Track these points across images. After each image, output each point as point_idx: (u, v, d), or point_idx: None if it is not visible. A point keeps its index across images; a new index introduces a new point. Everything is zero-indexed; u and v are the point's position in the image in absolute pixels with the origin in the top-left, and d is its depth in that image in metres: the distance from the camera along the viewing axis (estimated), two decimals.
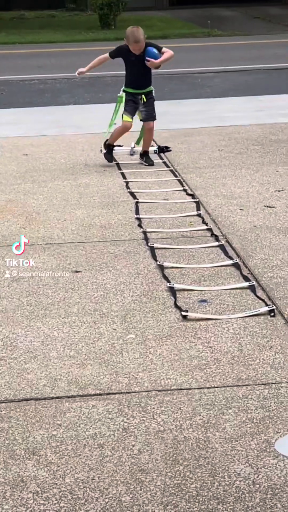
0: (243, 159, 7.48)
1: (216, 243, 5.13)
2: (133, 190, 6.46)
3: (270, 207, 5.91)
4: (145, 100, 7.10)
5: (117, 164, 7.38)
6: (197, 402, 3.24)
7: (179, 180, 6.76)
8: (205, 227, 5.48)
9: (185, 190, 6.44)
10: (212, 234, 5.31)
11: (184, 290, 4.41)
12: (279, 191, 6.33)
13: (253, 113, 9.81)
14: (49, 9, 29.24)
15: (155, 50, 7.03)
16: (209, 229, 5.41)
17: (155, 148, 7.84)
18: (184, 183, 6.67)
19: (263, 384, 3.37)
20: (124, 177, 6.93)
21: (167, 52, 7.08)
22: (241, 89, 11.99)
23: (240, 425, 3.06)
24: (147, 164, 7.26)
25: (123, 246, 5.17)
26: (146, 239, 5.26)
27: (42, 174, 7.14)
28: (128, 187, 6.58)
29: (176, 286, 4.44)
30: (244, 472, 2.78)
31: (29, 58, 17.22)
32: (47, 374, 3.51)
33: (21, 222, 5.70)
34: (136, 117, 7.30)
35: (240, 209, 5.87)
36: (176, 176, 6.91)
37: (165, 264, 4.78)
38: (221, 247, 5.07)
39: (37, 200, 6.27)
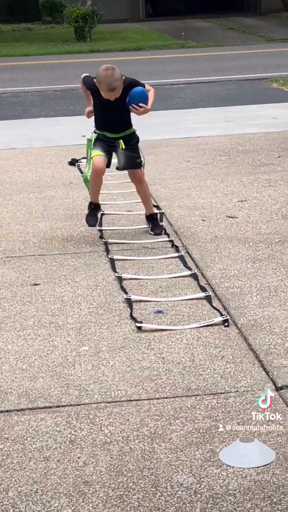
0: (209, 170, 7.53)
1: (176, 254, 5.16)
2: None
3: (232, 217, 5.95)
4: (123, 147, 5.39)
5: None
6: (146, 413, 3.26)
7: None
8: (166, 238, 5.51)
9: None
10: (173, 245, 5.34)
11: (141, 301, 4.43)
12: (242, 201, 6.37)
13: (221, 124, 9.87)
14: (25, 22, 29.32)
15: (140, 89, 5.32)
16: (170, 240, 5.44)
17: None
18: None
19: (212, 394, 3.39)
20: None
21: (151, 90, 5.43)
22: (212, 100, 12.06)
23: (186, 435, 3.08)
24: (153, 233, 5.60)
25: (84, 258, 5.18)
26: (107, 250, 5.29)
27: (8, 187, 7.15)
28: None
29: (133, 297, 4.46)
30: (187, 482, 2.80)
31: (3, 71, 17.24)
32: None
33: None
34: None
35: (202, 220, 5.90)
36: None
37: (124, 275, 4.80)
38: (181, 258, 5.09)
39: (0, 214, 6.27)
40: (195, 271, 4.82)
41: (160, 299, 4.46)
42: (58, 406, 3.34)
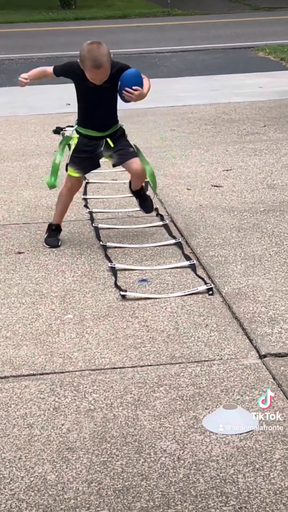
0: (194, 138, 7.49)
1: (161, 223, 5.15)
2: None
3: (217, 186, 5.94)
4: (111, 145, 4.72)
5: (68, 145, 7.32)
6: (129, 381, 3.26)
7: None
8: None
9: None
10: (158, 214, 5.32)
11: (125, 270, 4.43)
12: (227, 170, 6.36)
13: (207, 93, 9.81)
14: None
15: (134, 70, 4.61)
16: (155, 209, 5.42)
17: None
18: None
19: (195, 361, 3.40)
20: None
21: (145, 78, 4.72)
22: (198, 69, 11.99)
23: (170, 403, 3.09)
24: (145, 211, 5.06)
25: (68, 226, 5.16)
26: (92, 219, 5.27)
27: None
28: None
29: (117, 266, 4.45)
30: (170, 448, 2.81)
31: None
32: None
33: None
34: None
35: (187, 189, 5.89)
36: None
37: (108, 244, 4.78)
38: (165, 226, 5.09)
39: None
40: (180, 240, 4.82)
41: (144, 267, 4.46)
42: (42, 374, 3.34)
